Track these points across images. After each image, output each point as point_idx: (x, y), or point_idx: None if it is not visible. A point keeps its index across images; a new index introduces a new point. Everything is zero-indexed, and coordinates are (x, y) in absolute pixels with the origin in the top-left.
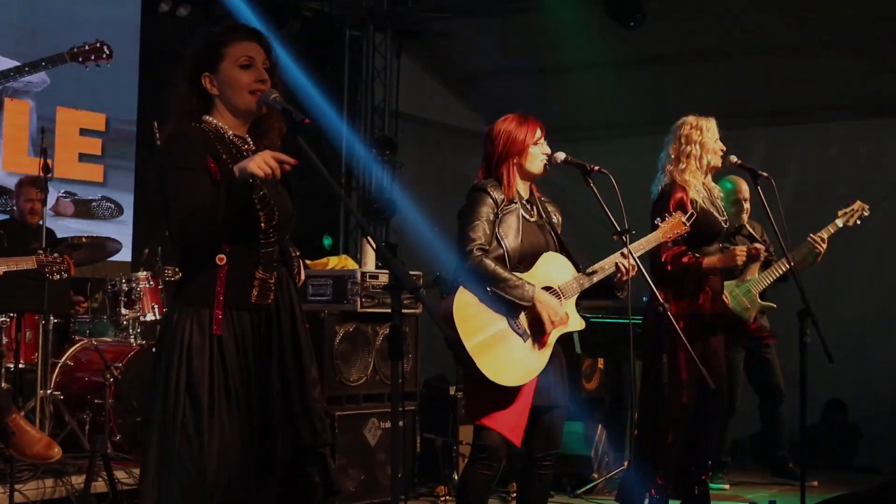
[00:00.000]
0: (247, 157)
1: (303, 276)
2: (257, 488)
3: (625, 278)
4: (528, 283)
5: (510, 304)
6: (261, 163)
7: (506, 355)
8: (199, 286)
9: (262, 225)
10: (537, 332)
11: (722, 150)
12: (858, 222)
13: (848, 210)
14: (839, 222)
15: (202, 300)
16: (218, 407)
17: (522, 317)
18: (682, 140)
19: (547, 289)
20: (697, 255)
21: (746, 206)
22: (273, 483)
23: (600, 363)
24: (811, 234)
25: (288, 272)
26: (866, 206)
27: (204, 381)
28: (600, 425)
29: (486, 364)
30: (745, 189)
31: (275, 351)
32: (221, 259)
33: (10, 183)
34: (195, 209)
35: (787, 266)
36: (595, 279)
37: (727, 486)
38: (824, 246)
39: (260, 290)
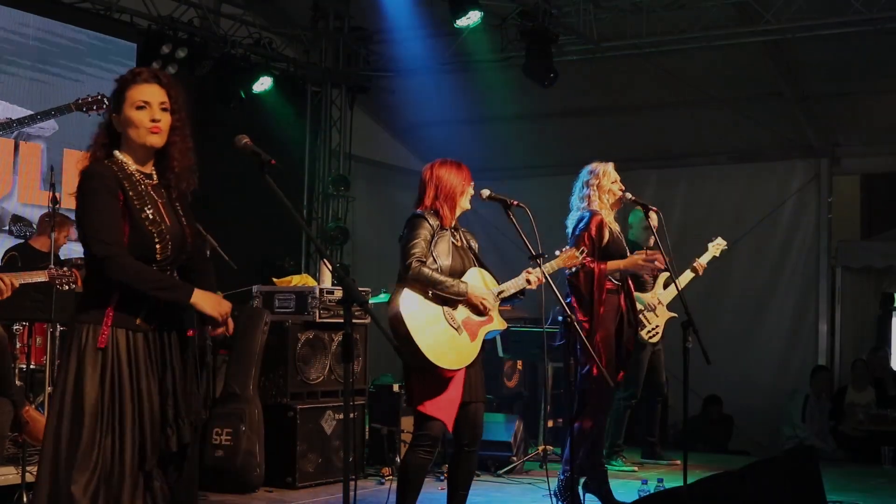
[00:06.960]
0: (148, 191)
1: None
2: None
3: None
4: (462, 282)
5: (446, 302)
6: (216, 312)
7: (444, 344)
8: (96, 304)
9: (158, 256)
10: (469, 326)
11: (621, 190)
12: (717, 255)
13: (716, 242)
14: (715, 252)
15: (96, 318)
16: (101, 418)
17: (456, 313)
18: (586, 183)
19: None
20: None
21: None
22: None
23: (519, 364)
24: (696, 259)
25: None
26: (724, 242)
27: (93, 392)
28: (518, 416)
29: (428, 349)
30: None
31: (169, 366)
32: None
33: (25, 212)
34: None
35: (675, 284)
36: (510, 291)
37: (636, 468)
38: (703, 269)
39: (147, 314)
